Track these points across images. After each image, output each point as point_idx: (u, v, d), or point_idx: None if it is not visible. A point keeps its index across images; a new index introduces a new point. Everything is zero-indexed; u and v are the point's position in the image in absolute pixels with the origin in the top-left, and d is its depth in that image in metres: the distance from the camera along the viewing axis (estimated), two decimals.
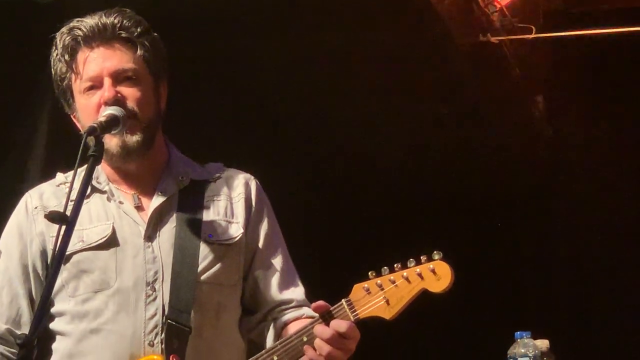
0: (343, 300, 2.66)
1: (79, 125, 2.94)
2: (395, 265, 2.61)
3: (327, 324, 2.66)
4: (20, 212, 2.97)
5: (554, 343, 3.21)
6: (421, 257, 2.61)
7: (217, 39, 5.05)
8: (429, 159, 6.07)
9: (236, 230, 2.92)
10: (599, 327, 6.14)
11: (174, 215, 2.90)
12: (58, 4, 4.50)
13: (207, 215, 2.91)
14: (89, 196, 2.90)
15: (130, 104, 2.84)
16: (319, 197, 5.92)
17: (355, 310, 2.65)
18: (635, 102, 6.26)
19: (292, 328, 2.82)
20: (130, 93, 2.85)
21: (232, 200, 2.96)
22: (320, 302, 2.70)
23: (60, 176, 2.99)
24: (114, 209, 2.91)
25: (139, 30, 2.89)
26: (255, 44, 5.18)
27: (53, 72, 2.95)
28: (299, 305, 2.91)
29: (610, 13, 6.00)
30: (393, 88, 5.57)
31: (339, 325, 2.65)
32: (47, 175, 3.04)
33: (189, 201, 2.92)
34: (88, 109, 2.86)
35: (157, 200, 2.91)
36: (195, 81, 4.98)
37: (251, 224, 2.95)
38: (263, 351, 2.77)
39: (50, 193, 2.98)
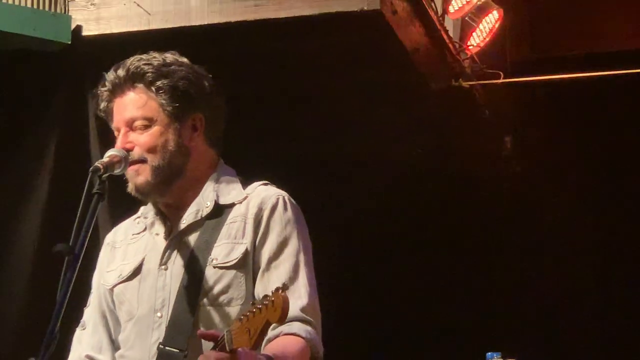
0: (225, 331, 2.62)
1: None
2: (264, 295, 2.57)
3: None
4: (103, 249, 3.08)
5: None
6: (278, 288, 2.53)
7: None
8: (405, 194, 6.12)
9: (239, 251, 2.87)
10: (567, 348, 6.17)
11: (192, 243, 2.91)
12: (63, 53, 4.58)
13: (220, 240, 2.89)
14: (144, 230, 3.00)
15: (139, 150, 2.91)
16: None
17: (231, 341, 2.58)
18: (596, 142, 6.36)
19: (269, 346, 2.75)
20: (140, 140, 2.91)
21: (246, 221, 2.91)
22: (208, 331, 2.67)
23: (141, 210, 3.05)
24: (151, 241, 2.99)
25: (150, 75, 2.93)
26: None
27: None
28: (290, 321, 2.76)
29: (573, 59, 6.11)
30: (373, 129, 5.62)
31: (208, 355, 2.61)
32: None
33: (209, 227, 2.92)
34: None
35: (178, 228, 2.94)
36: None
37: (258, 243, 2.89)
38: None
39: (124, 228, 3.08)
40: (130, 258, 2.97)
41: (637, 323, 6.09)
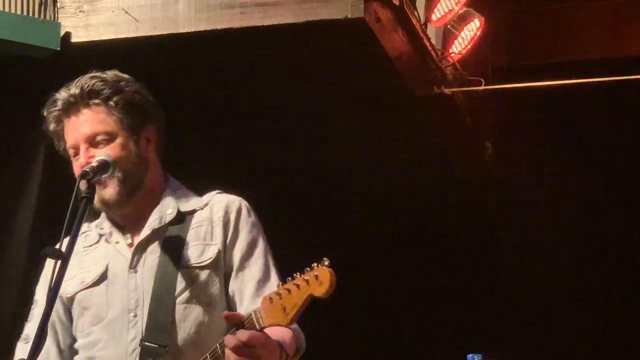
0: (252, 311, 2.68)
1: None
2: (295, 274, 2.60)
3: None
4: (48, 262, 3.06)
5: None
6: (313, 264, 2.57)
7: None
8: (393, 197, 6.16)
9: (212, 251, 2.95)
10: (566, 348, 6.22)
11: (159, 247, 2.97)
12: (52, 59, 4.59)
13: (189, 242, 2.97)
14: (97, 242, 3.03)
15: None
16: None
17: (261, 320, 2.65)
18: (572, 146, 6.44)
19: (267, 332, 2.79)
20: (102, 154, 2.92)
21: (213, 224, 2.98)
22: (233, 313, 2.75)
23: (85, 226, 3.06)
24: (111, 249, 3.02)
25: (105, 91, 2.96)
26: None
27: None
28: None
29: (550, 67, 6.18)
30: (360, 135, 5.65)
31: (241, 334, 2.66)
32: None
33: (174, 232, 2.98)
34: (76, 172, 2.96)
35: (144, 234, 2.99)
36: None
37: (229, 244, 2.97)
38: None
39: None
40: (91, 266, 2.99)
41: (636, 323, 6.15)
